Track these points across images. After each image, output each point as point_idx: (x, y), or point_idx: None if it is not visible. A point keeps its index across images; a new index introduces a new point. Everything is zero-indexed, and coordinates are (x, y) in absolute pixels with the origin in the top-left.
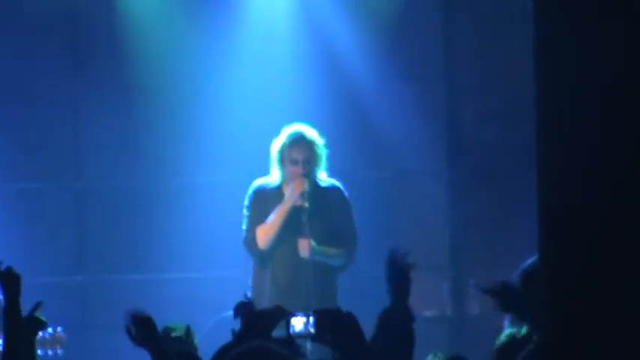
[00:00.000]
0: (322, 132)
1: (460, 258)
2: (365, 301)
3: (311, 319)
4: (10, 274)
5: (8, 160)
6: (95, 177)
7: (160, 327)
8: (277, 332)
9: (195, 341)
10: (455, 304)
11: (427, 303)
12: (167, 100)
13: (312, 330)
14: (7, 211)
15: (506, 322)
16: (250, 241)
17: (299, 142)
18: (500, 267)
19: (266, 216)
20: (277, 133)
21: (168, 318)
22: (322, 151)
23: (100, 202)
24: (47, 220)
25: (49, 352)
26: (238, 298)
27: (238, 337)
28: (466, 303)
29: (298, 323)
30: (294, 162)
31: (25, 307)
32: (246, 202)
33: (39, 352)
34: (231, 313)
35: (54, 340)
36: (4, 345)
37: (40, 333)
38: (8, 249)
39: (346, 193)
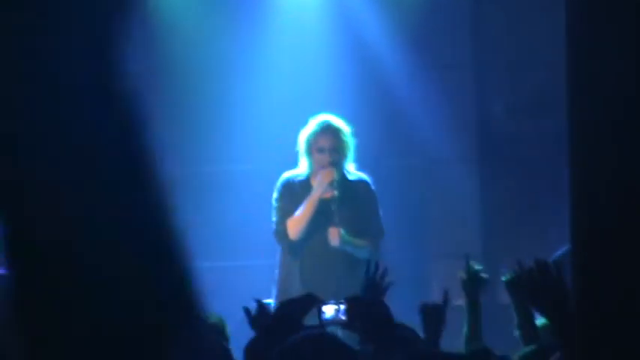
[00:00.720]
0: (352, 121)
1: (491, 247)
2: (393, 290)
3: (342, 306)
4: None
5: None
6: None
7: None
8: (308, 320)
9: (227, 331)
10: (486, 292)
11: (459, 292)
12: (200, 89)
13: (343, 317)
14: None
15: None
16: (281, 233)
17: (325, 130)
18: (531, 256)
19: (296, 207)
20: (306, 122)
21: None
22: (349, 140)
23: None
24: None
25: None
26: (267, 287)
27: (270, 326)
28: (497, 291)
29: (329, 311)
30: (322, 150)
31: None
32: (275, 195)
33: None
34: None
35: None
36: None
37: None
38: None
39: (373, 187)
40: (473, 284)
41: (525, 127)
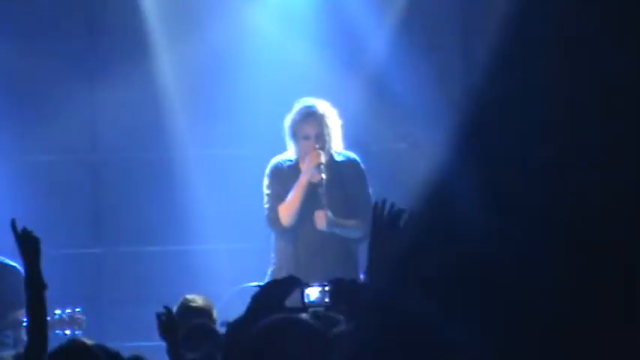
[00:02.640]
0: (338, 105)
1: None
2: None
3: (327, 288)
4: (28, 237)
5: (25, 133)
6: (112, 149)
7: (178, 298)
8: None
9: (215, 313)
10: None
11: None
12: (183, 73)
13: (327, 300)
14: (24, 183)
15: None
16: (274, 219)
17: (309, 117)
18: None
19: (286, 193)
20: (294, 105)
21: (185, 290)
22: (335, 123)
23: (116, 175)
24: (64, 193)
25: (68, 333)
26: (255, 269)
27: (252, 307)
28: None
29: (314, 293)
30: (307, 137)
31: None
32: (265, 181)
33: (57, 332)
34: (247, 285)
35: (72, 321)
36: (28, 315)
37: (59, 311)
38: (24, 221)
39: (362, 165)
40: None
41: None
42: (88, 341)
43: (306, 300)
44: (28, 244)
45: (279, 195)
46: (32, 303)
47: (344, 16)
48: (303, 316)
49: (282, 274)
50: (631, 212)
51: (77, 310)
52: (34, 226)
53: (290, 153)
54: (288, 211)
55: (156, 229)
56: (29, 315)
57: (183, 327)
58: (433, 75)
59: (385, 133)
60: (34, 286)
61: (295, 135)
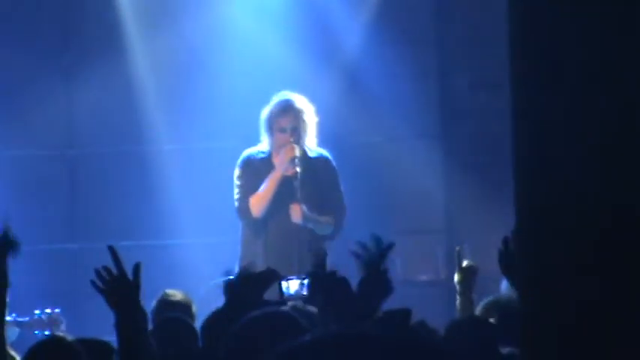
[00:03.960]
0: (313, 99)
1: (455, 222)
2: (355, 267)
3: (305, 281)
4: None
5: (1, 128)
6: (88, 144)
7: (155, 293)
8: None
9: (194, 308)
10: (449, 268)
11: (422, 267)
12: (159, 68)
13: (305, 292)
14: (0, 178)
15: (502, 286)
16: (244, 210)
17: (286, 110)
18: (495, 231)
19: (257, 185)
20: (269, 99)
21: (162, 284)
22: (311, 119)
23: (92, 170)
24: (39, 188)
25: (47, 333)
26: (231, 264)
27: (230, 301)
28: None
29: (292, 286)
30: (283, 130)
31: (15, 275)
32: (236, 172)
33: (36, 332)
34: (224, 279)
35: (51, 321)
36: None
37: (38, 311)
38: (1, 216)
39: (334, 163)
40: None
41: (489, 102)
42: (68, 337)
43: (284, 293)
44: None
45: (250, 186)
46: None
47: (318, 10)
48: (285, 309)
49: (252, 266)
50: None
51: (56, 310)
52: (9, 221)
53: (263, 145)
54: (259, 202)
55: (132, 224)
56: None
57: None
58: (408, 67)
59: (360, 126)
60: None
61: (271, 127)
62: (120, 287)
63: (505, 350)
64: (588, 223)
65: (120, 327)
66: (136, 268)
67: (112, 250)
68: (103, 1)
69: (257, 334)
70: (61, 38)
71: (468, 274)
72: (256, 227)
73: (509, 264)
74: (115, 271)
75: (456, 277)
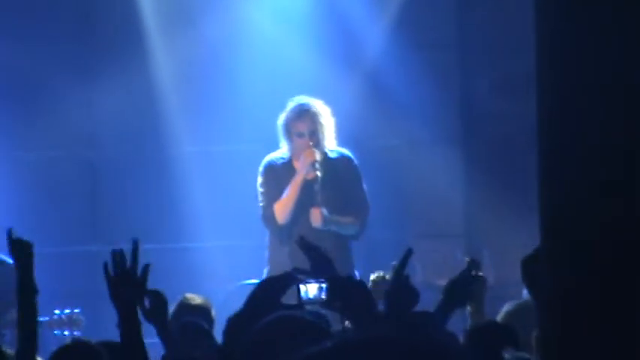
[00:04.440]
0: (334, 102)
1: (474, 227)
2: (379, 270)
3: (323, 285)
4: (19, 242)
5: (23, 131)
6: (109, 146)
7: (176, 297)
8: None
9: (213, 312)
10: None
11: (441, 272)
12: (180, 70)
13: (323, 296)
14: (22, 180)
15: (525, 292)
16: (269, 217)
17: (303, 114)
18: (515, 237)
19: (280, 190)
20: (289, 103)
21: (182, 287)
22: (328, 121)
23: (113, 172)
24: (61, 190)
25: (66, 333)
26: (253, 267)
27: (249, 305)
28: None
29: (310, 290)
30: (301, 135)
31: (37, 277)
32: (259, 180)
33: (55, 332)
34: (244, 282)
35: (71, 322)
36: (18, 319)
37: (58, 311)
38: (22, 218)
39: (356, 162)
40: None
41: (509, 107)
42: (90, 340)
43: (302, 296)
44: (19, 249)
45: (273, 193)
46: (23, 308)
47: (339, 13)
48: (301, 313)
49: (278, 272)
50: None
51: (76, 310)
52: (31, 223)
53: (283, 150)
54: (283, 209)
55: (152, 227)
56: (19, 320)
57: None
58: (429, 71)
59: (380, 130)
60: (26, 292)
61: (289, 133)
62: (126, 281)
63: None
64: (612, 231)
65: (120, 322)
66: (145, 269)
67: (135, 245)
68: (125, 4)
69: (272, 338)
70: (82, 40)
71: (478, 285)
72: (281, 234)
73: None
74: (128, 264)
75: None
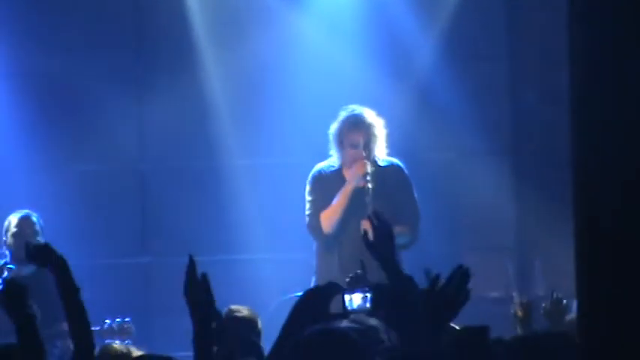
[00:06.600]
0: (384, 113)
1: (525, 239)
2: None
3: (368, 295)
4: (38, 248)
5: (73, 143)
6: (159, 159)
7: (224, 308)
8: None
9: (260, 324)
10: (520, 285)
11: (492, 284)
12: (230, 82)
13: (368, 306)
14: (72, 193)
15: (574, 305)
16: (315, 226)
17: (357, 125)
18: (566, 248)
19: (328, 200)
20: (338, 114)
21: (232, 299)
22: (381, 133)
23: (163, 184)
24: (111, 202)
25: (116, 342)
26: (302, 280)
27: (294, 315)
28: (532, 284)
29: (355, 299)
30: (354, 146)
31: (87, 289)
32: (307, 188)
33: (107, 341)
34: (294, 295)
35: (121, 331)
36: (67, 322)
37: (109, 321)
38: (73, 231)
39: (407, 172)
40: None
41: (560, 118)
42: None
43: (347, 306)
44: (43, 255)
45: (320, 203)
46: (69, 308)
47: (390, 25)
48: (342, 325)
49: (325, 281)
50: None
51: (126, 319)
52: (82, 236)
53: (333, 160)
54: (330, 218)
55: (202, 239)
56: (69, 321)
57: (228, 337)
58: (479, 83)
59: (430, 142)
60: (67, 292)
61: (341, 143)
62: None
63: None
64: None
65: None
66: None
67: (192, 261)
68: (176, 17)
69: (311, 351)
70: (132, 52)
71: (528, 310)
72: (328, 243)
73: None
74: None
75: (519, 313)
